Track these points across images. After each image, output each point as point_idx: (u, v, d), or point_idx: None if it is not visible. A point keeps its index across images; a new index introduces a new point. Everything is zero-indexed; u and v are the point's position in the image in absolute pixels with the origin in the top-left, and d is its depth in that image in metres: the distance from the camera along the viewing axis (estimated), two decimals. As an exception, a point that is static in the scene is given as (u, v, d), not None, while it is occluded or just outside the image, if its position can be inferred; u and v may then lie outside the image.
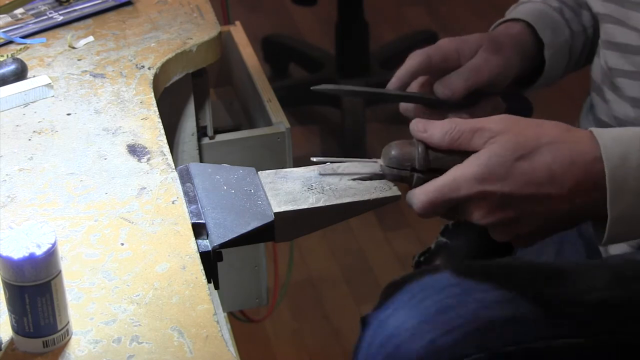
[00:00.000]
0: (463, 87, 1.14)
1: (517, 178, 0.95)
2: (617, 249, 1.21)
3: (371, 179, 1.02)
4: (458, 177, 0.96)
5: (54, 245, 0.81)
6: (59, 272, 0.82)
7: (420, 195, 0.98)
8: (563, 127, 0.98)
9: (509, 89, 1.20)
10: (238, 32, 1.57)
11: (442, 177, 0.97)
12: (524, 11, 1.23)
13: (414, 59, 1.15)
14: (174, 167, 1.06)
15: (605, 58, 1.19)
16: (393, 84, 1.15)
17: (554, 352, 1.06)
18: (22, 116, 1.15)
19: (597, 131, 0.96)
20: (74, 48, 1.27)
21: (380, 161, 1.01)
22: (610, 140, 0.95)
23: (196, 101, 1.37)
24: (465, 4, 3.23)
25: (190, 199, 1.00)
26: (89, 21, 1.33)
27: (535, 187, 0.95)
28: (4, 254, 0.80)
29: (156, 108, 1.16)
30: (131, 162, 1.07)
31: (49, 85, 1.18)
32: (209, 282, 0.93)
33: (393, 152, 1.00)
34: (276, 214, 0.98)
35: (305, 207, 0.99)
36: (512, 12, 1.25)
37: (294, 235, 1.01)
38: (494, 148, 0.96)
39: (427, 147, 0.99)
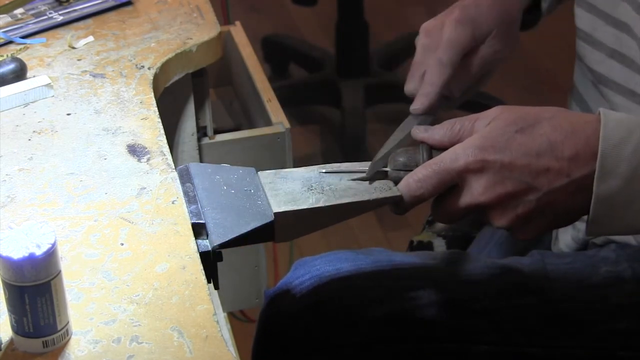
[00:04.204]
0: (472, 83, 1.15)
1: (517, 148, 0.94)
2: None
3: (371, 179, 1.02)
4: (457, 148, 0.96)
5: (53, 245, 0.81)
6: (59, 272, 0.82)
7: (419, 169, 0.97)
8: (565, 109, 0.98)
9: None
10: (238, 32, 1.57)
11: (442, 153, 0.97)
12: None
13: (442, 74, 1.10)
14: (173, 167, 1.06)
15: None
16: (423, 104, 1.10)
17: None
18: (22, 116, 1.15)
19: (605, 110, 0.96)
20: (74, 48, 1.27)
21: (384, 166, 1.02)
22: (614, 121, 0.94)
23: (196, 101, 1.37)
24: (465, 4, 3.23)
25: (190, 199, 1.00)
26: (89, 21, 1.33)
27: (535, 157, 0.94)
28: (4, 254, 0.80)
29: (156, 108, 1.16)
30: (131, 162, 1.07)
31: (48, 85, 1.18)
32: (208, 282, 0.93)
33: (400, 159, 1.01)
34: (276, 214, 0.98)
35: (305, 207, 0.99)
36: None
37: (294, 236, 1.01)
38: (495, 123, 0.96)
39: (431, 147, 1.00)
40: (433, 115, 1.10)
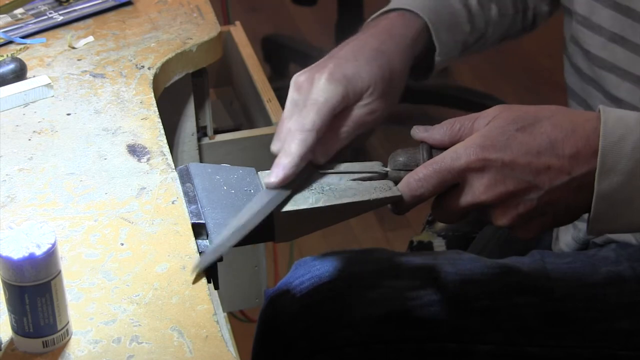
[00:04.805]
0: (343, 146, 1.05)
1: (517, 147, 0.94)
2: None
3: (371, 179, 1.01)
4: (459, 147, 0.96)
5: (53, 245, 0.81)
6: (59, 272, 0.82)
7: (420, 169, 0.97)
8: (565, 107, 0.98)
9: None
10: (238, 32, 1.56)
11: (443, 152, 0.97)
12: (426, 4, 1.14)
13: (303, 142, 0.99)
14: (173, 167, 1.06)
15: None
16: (277, 177, 0.98)
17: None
18: (22, 116, 1.15)
19: (604, 107, 0.96)
20: (73, 48, 1.27)
21: (384, 166, 1.02)
22: (614, 118, 0.94)
23: (196, 101, 1.37)
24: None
25: (190, 199, 1.00)
26: (89, 21, 1.33)
27: (536, 155, 0.94)
28: (4, 254, 0.80)
29: (156, 108, 1.16)
30: (131, 162, 1.07)
31: (48, 85, 1.18)
32: (208, 282, 0.93)
33: (400, 159, 1.00)
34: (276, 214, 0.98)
35: (305, 207, 0.98)
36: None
37: (294, 236, 1.01)
38: (495, 121, 0.96)
39: (431, 147, 1.00)
40: (290, 189, 0.98)
